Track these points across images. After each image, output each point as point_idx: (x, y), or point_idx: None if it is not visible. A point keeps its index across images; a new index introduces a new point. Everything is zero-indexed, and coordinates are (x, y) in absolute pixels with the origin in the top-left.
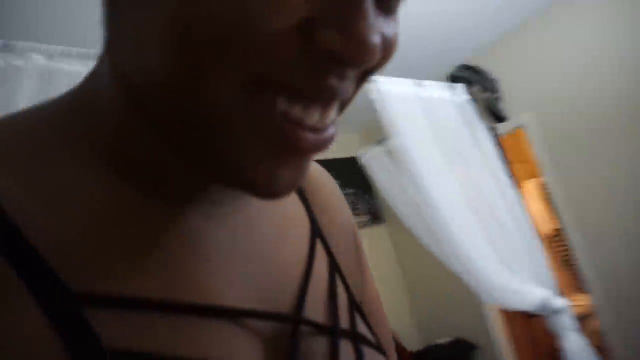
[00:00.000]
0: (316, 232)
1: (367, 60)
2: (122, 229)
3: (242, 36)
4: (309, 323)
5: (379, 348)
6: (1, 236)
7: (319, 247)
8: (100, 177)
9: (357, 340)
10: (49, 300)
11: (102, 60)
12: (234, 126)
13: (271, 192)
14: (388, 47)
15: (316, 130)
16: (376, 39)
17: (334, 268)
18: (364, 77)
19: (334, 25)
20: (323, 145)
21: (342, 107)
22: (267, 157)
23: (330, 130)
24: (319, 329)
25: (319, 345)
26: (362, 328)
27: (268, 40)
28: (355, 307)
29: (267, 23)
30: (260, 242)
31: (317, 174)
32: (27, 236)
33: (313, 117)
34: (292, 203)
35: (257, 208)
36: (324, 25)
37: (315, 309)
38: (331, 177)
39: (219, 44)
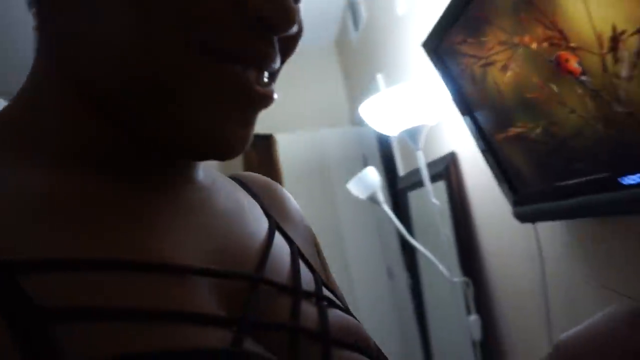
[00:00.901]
0: (274, 224)
1: (288, 23)
2: (60, 208)
3: (189, 9)
4: (269, 282)
5: (347, 310)
6: None
7: (279, 236)
8: (42, 168)
9: (321, 299)
10: None
11: (35, 70)
12: (191, 89)
13: (229, 147)
14: (299, 19)
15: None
16: (294, 5)
17: (296, 253)
18: (285, 51)
19: None
20: (270, 97)
21: (271, 78)
22: (222, 114)
23: (272, 88)
24: (280, 288)
25: (279, 302)
26: (327, 293)
27: (211, 12)
28: (321, 282)
29: None
30: (216, 221)
31: (266, 182)
32: None
33: (251, 77)
34: (247, 200)
35: (210, 194)
36: None
37: (276, 274)
38: (280, 186)
39: (173, 15)
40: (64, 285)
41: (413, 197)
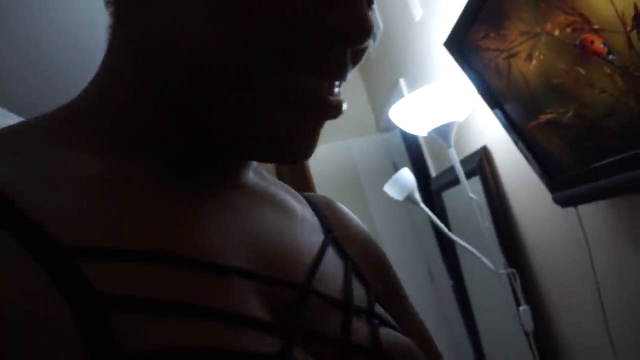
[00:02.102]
0: (329, 238)
1: (366, 37)
2: (118, 195)
3: (271, 17)
4: (319, 293)
5: (399, 329)
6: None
7: (332, 250)
8: (103, 156)
9: (372, 316)
10: (42, 255)
11: (106, 66)
12: (268, 94)
13: (298, 152)
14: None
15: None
16: (371, 19)
17: (350, 268)
18: (353, 62)
19: (344, 5)
20: (340, 108)
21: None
22: (294, 120)
23: (342, 98)
24: (330, 301)
25: (329, 315)
26: (379, 310)
27: (293, 21)
28: (375, 298)
29: (292, 6)
30: (266, 227)
31: (328, 199)
32: (23, 208)
33: (325, 88)
34: (303, 211)
35: (262, 199)
36: (337, 5)
37: (326, 287)
38: (341, 205)
39: (257, 22)
40: (121, 274)
41: (448, 196)
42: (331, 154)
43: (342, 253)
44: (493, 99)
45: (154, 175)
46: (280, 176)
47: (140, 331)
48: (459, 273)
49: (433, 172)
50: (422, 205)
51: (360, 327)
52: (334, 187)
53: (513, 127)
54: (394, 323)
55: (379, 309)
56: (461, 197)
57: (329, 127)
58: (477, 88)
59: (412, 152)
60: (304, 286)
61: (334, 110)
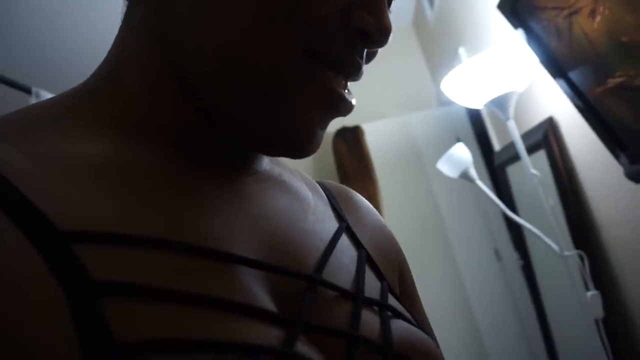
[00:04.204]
0: (343, 227)
1: (385, 40)
2: (123, 179)
3: (302, 14)
4: (327, 284)
5: (412, 322)
6: None
7: (346, 240)
8: (112, 139)
9: (385, 308)
10: (38, 238)
11: (123, 44)
12: (289, 88)
13: (306, 147)
14: None
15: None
16: (391, 23)
17: (363, 258)
18: (366, 62)
19: (367, 9)
20: (353, 106)
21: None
22: (311, 115)
23: (353, 97)
24: (339, 292)
25: (337, 306)
26: (393, 302)
27: (320, 20)
28: (388, 290)
29: (320, 6)
30: (276, 215)
31: (344, 188)
32: (23, 190)
33: (342, 86)
34: (317, 199)
35: (274, 187)
36: (361, 7)
37: (337, 278)
38: (358, 194)
39: (286, 17)
40: (119, 260)
41: (512, 171)
42: (390, 130)
43: (356, 242)
44: (554, 64)
45: (162, 161)
46: (339, 157)
47: (135, 320)
48: (526, 252)
49: (497, 146)
50: (478, 182)
51: (370, 320)
52: (393, 164)
53: (577, 94)
54: (408, 316)
55: (393, 301)
56: (526, 173)
57: (386, 102)
58: (536, 53)
59: (476, 125)
60: (312, 276)
61: (349, 108)
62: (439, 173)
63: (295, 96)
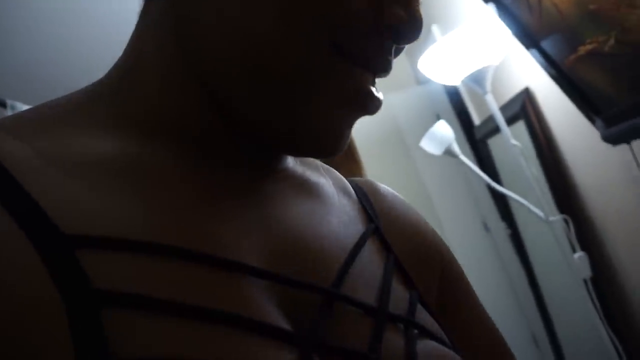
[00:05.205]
0: (370, 229)
1: (416, 36)
2: (131, 183)
3: (332, 10)
4: (346, 299)
5: (444, 341)
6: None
7: (372, 244)
8: (126, 138)
9: (412, 326)
10: (40, 241)
11: (142, 41)
12: (317, 87)
13: (334, 146)
14: None
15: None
16: (422, 17)
17: (391, 266)
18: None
19: (400, 4)
20: (381, 104)
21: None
22: (339, 114)
23: (381, 96)
24: (360, 308)
25: (357, 324)
26: (423, 320)
27: (350, 15)
28: (417, 302)
29: (351, 2)
30: (294, 217)
31: (369, 181)
32: (29, 189)
33: (371, 83)
34: (344, 199)
35: (294, 186)
36: (393, 1)
37: (358, 290)
38: (395, 192)
39: (315, 13)
40: (123, 267)
41: (493, 144)
42: None
43: (385, 246)
44: (527, 37)
45: (176, 163)
46: None
47: (135, 335)
48: (513, 222)
49: (477, 120)
50: (462, 157)
51: (393, 339)
52: (375, 145)
53: (551, 63)
54: (439, 334)
55: (423, 315)
56: (507, 145)
57: None
58: (509, 27)
59: (455, 101)
60: (329, 290)
61: (378, 105)
62: (422, 151)
63: (323, 94)
